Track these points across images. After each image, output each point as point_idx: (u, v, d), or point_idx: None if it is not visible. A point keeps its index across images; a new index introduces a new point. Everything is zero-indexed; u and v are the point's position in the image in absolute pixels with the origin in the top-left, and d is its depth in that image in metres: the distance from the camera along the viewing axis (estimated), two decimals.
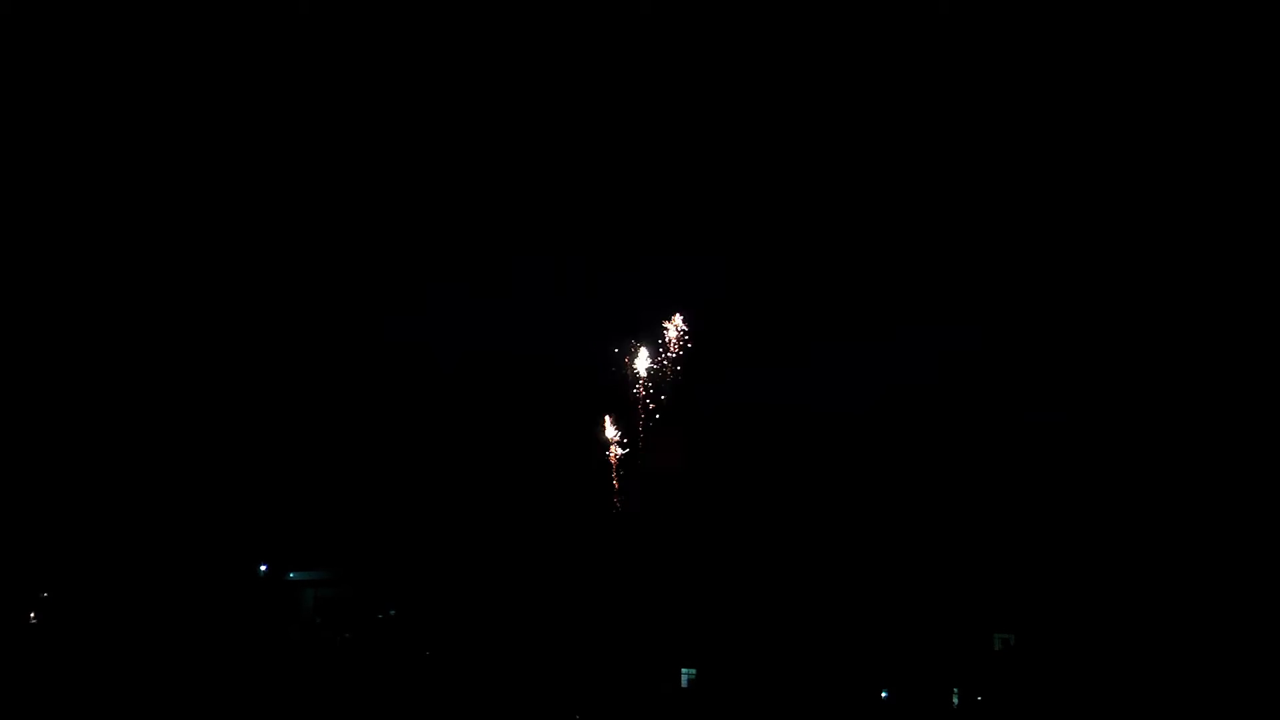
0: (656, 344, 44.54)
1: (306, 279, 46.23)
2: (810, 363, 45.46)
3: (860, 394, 45.49)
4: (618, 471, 44.95)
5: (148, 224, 44.98)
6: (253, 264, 45.88)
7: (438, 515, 45.98)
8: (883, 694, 43.86)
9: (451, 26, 44.12)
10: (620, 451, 44.84)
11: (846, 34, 43.20)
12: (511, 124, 45.18)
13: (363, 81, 44.76)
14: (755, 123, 44.93)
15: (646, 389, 44.68)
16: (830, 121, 44.48)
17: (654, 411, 44.77)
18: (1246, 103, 42.78)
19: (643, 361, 44.62)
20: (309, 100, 44.90)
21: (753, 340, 45.62)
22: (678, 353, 44.41)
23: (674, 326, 44.25)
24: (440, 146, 45.92)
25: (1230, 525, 42.79)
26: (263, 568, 44.79)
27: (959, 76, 43.74)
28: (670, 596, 45.15)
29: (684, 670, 44.80)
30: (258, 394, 45.68)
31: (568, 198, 45.83)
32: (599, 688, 43.84)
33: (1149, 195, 44.07)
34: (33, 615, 43.08)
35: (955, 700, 43.87)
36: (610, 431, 44.88)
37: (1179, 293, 44.13)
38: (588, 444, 45.19)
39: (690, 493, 45.52)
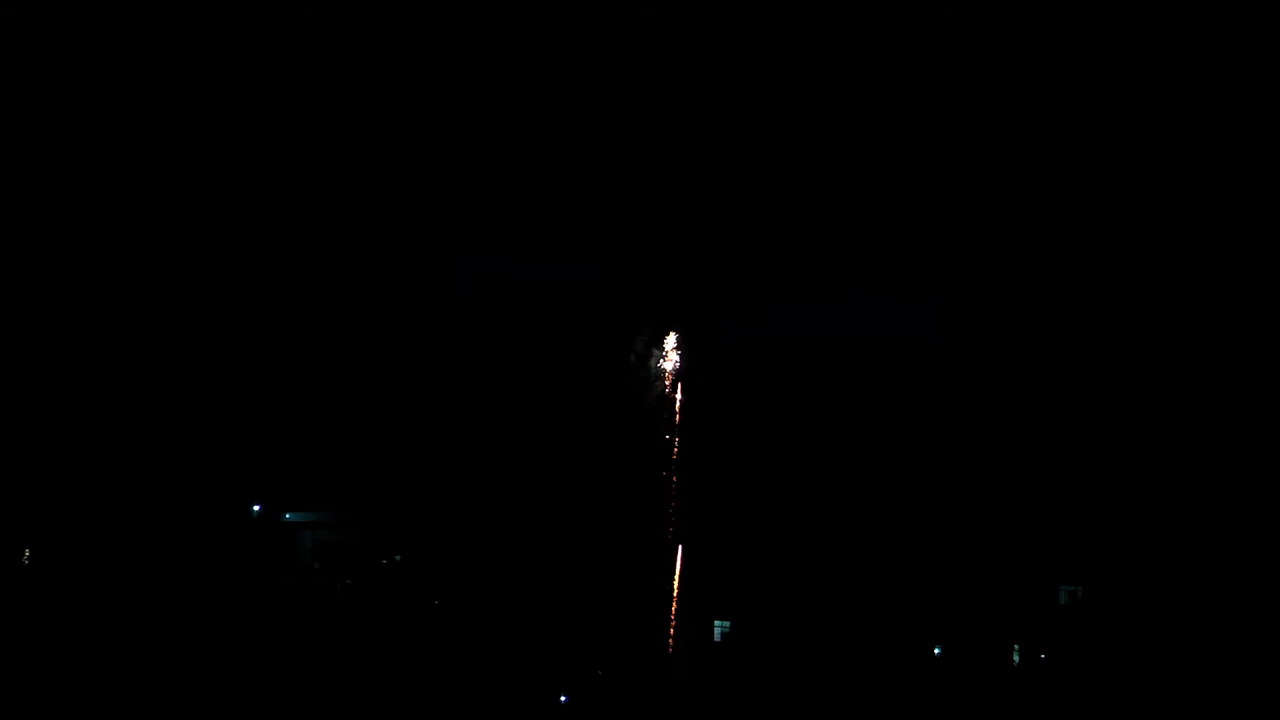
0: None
1: (308, 198, 43.35)
2: (863, 290, 42.25)
3: (917, 326, 42.23)
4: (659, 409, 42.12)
5: (137, 169, 42.33)
6: (249, 190, 43.11)
7: (451, 452, 42.83)
8: (936, 651, 41.40)
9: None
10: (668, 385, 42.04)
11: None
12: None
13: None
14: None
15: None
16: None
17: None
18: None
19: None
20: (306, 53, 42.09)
21: (797, 269, 42.58)
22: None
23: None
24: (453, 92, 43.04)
25: None
26: (256, 508, 42.29)
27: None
28: (704, 545, 42.28)
29: (717, 623, 42.12)
30: (250, 316, 42.81)
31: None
32: (622, 645, 41.38)
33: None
34: (26, 555, 41.08)
35: (1016, 658, 41.40)
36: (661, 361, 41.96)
37: None
38: (616, 376, 42.37)
39: (730, 435, 42.50)
